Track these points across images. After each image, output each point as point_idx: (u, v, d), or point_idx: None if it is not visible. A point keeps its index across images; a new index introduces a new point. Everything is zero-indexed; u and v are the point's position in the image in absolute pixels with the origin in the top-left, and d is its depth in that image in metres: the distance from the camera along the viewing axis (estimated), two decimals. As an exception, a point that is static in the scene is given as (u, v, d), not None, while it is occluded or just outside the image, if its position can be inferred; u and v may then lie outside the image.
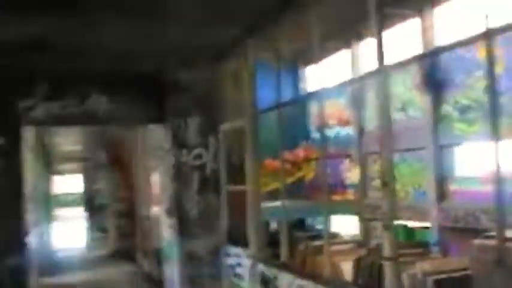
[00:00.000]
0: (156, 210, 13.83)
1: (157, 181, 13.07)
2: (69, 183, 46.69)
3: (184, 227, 9.15)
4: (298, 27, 7.58)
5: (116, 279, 16.01)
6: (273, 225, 9.38)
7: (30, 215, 12.26)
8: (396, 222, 4.97)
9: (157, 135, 10.45)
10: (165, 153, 9.60)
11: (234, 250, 8.62)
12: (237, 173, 8.84)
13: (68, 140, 21.06)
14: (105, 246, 22.80)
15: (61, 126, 12.85)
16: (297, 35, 8.85)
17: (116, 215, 21.24)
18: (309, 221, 10.14)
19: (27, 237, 9.37)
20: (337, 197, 11.36)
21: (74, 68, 8.81)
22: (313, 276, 6.35)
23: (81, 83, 9.14)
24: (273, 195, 8.24)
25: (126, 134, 19.02)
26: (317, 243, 6.93)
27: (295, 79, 12.66)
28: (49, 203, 24.25)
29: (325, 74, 6.78)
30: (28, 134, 12.34)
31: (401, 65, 6.39)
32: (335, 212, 9.88)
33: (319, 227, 9.23)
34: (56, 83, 9.03)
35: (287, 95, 9.98)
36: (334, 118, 11.86)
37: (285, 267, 6.99)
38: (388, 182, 4.90)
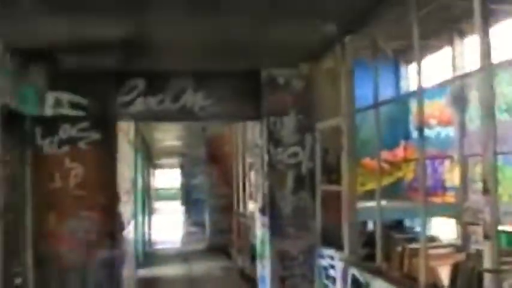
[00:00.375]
0: (252, 207, 13.81)
1: (254, 178, 13.04)
2: (168, 177, 47.72)
3: (277, 226, 9.06)
4: (398, 25, 7.37)
5: (210, 274, 16.12)
6: (370, 226, 9.18)
7: (129, 208, 12.51)
8: (498, 227, 4.69)
9: (254, 131, 10.40)
10: (260, 150, 9.54)
11: (328, 251, 8.46)
12: (333, 173, 8.68)
13: (168, 135, 21.37)
14: (201, 240, 23.04)
15: (157, 122, 12.96)
16: (397, 33, 8.63)
17: (213, 211, 21.38)
18: (407, 222, 9.88)
19: (122, 230, 9.53)
20: (436, 199, 11.01)
21: (171, 64, 8.88)
22: (408, 285, 6.13)
23: (178, 78, 9.19)
24: (371, 195, 8.03)
25: (225, 130, 19.14)
26: (414, 245, 6.72)
27: (396, 77, 12.38)
28: (148, 196, 24.77)
29: (426, 72, 6.54)
30: (128, 129, 12.57)
31: (507, 63, 6.07)
32: (433, 215, 9.58)
33: (417, 229, 8.96)
34: (153, 79, 9.12)
35: (387, 93, 9.75)
36: (434, 118, 11.51)
37: (379, 272, 6.78)
38: (490, 189, 4.63)
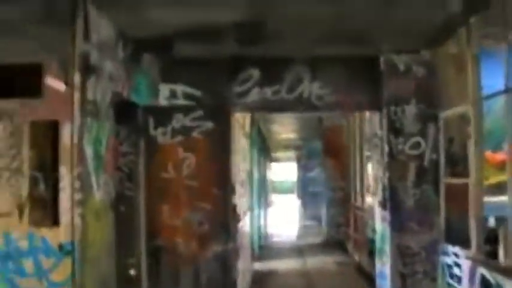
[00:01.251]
0: (370, 200, 13.46)
1: (372, 171, 12.71)
2: (284, 170, 47.86)
3: (398, 220, 8.63)
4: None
5: (326, 269, 15.89)
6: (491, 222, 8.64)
7: (245, 200, 12.44)
8: None
9: (373, 122, 10.04)
10: (380, 141, 9.15)
11: (452, 248, 7.96)
12: (457, 164, 8.17)
13: (284, 128, 21.35)
14: (317, 234, 22.87)
15: (273, 112, 12.81)
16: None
17: (330, 204, 21.13)
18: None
19: (237, 222, 9.39)
20: None
21: (287, 51, 8.62)
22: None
23: (294, 67, 8.95)
24: (495, 189, 7.49)
25: (342, 121, 18.84)
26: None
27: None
28: (264, 188, 24.83)
29: None
30: (244, 121, 12.51)
31: None
32: None
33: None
34: (268, 68, 8.93)
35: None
36: None
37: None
38: None
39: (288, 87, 8.96)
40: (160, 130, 8.25)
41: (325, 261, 17.06)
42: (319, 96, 8.93)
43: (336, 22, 7.24)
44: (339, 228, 20.31)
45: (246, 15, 6.86)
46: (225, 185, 8.33)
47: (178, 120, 8.26)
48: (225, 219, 8.24)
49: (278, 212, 34.57)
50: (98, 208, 5.93)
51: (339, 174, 20.31)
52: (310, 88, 8.94)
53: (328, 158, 21.44)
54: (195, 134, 8.27)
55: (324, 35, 7.85)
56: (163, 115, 8.29)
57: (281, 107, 9.15)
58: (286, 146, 29.58)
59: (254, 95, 8.91)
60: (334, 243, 20.08)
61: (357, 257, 15.87)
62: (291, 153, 33.20)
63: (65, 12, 5.71)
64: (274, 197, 44.34)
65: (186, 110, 8.34)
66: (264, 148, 25.00)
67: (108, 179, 6.23)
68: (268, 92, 8.94)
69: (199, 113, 8.30)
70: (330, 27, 7.47)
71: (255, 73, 8.91)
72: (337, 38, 8.03)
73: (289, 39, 8.12)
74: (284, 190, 50.00)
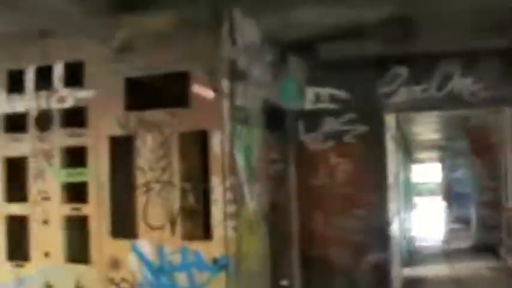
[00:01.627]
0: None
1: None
2: (426, 171, 46.74)
3: None
4: None
5: (479, 275, 15.21)
6: None
7: (392, 205, 12.11)
8: None
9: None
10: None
11: None
12: None
13: (426, 128, 20.78)
14: (466, 238, 22.09)
15: (422, 112, 12.35)
16: None
17: (479, 206, 20.26)
18: None
19: (389, 228, 9.09)
20: None
21: (435, 46, 8.20)
22: None
23: (443, 63, 8.50)
24: None
25: (491, 118, 18.05)
26: None
27: None
28: (409, 191, 24.27)
29: None
30: (390, 122, 12.19)
31: None
32: None
33: None
34: (416, 66, 8.54)
35: None
36: None
37: None
38: None
39: (437, 85, 8.53)
40: (310, 135, 8.10)
41: (477, 267, 16.36)
42: (472, 92, 8.41)
43: (486, 12, 6.78)
44: (489, 231, 19.43)
45: (393, 12, 6.58)
46: (381, 190, 8.05)
47: (329, 124, 8.08)
48: (381, 227, 7.96)
49: (422, 215, 33.83)
50: (251, 220, 5.78)
51: (488, 174, 19.47)
52: (462, 84, 8.44)
53: (475, 157, 20.64)
54: (347, 138, 8.05)
55: (473, 27, 7.40)
56: (312, 119, 8.16)
57: (431, 105, 8.76)
58: (428, 147, 28.87)
59: (402, 95, 8.54)
60: (484, 248, 19.25)
61: (511, 263, 15.13)
62: (434, 154, 32.38)
63: (209, 19, 5.62)
64: (417, 200, 43.47)
65: (337, 114, 8.15)
66: (407, 149, 24.47)
67: (260, 189, 6.08)
68: (416, 90, 8.55)
69: (352, 116, 8.06)
70: (480, 17, 7.01)
71: (402, 71, 8.54)
72: (488, 29, 7.52)
73: (437, 34, 7.71)
74: (427, 192, 48.99)
